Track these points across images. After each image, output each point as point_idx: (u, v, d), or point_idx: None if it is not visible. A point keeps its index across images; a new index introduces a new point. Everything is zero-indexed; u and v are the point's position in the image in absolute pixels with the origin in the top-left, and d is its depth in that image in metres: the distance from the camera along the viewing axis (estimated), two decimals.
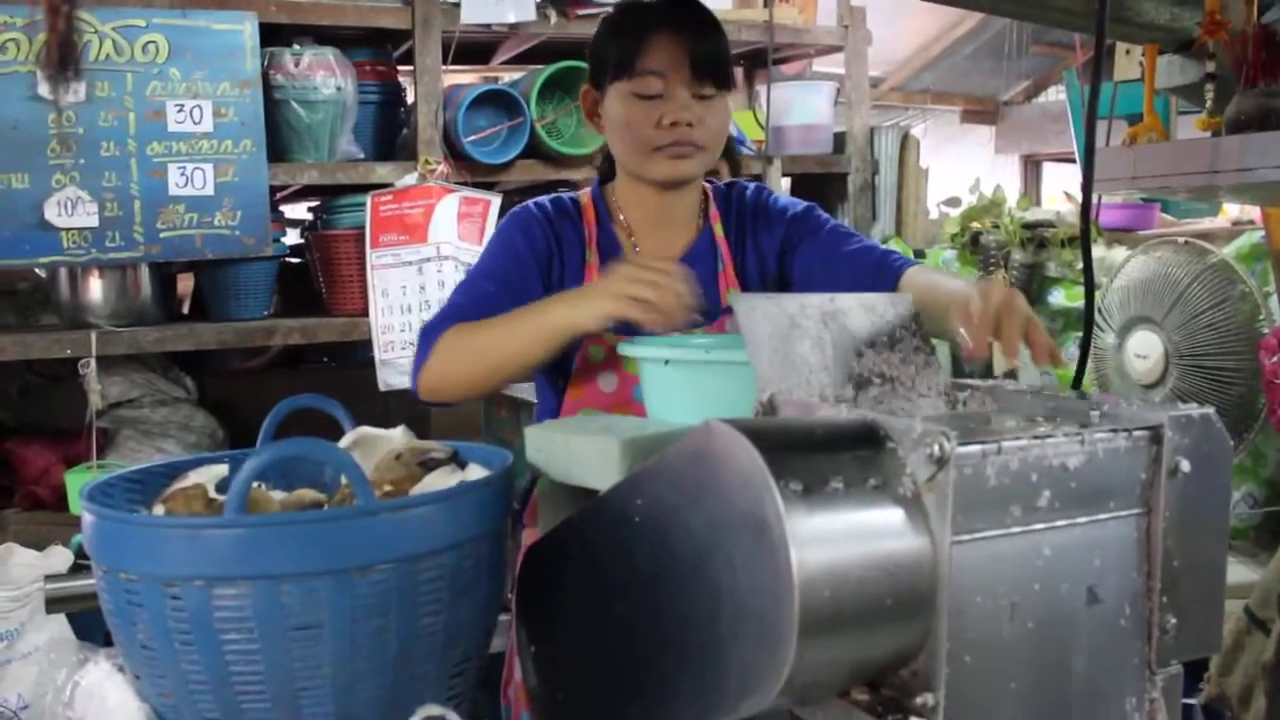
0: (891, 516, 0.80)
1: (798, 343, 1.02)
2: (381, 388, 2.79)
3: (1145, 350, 2.37)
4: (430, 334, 1.50)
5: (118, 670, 1.20)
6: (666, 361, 1.16)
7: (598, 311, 1.34)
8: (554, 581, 1.12)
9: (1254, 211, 2.87)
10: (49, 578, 1.30)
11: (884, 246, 1.66)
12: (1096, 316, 2.50)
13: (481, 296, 1.53)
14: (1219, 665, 1.95)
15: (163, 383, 2.99)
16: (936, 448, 0.79)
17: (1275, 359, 1.98)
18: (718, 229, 1.66)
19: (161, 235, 2.69)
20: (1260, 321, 2.30)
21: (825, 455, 0.81)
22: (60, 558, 2.33)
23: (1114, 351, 2.49)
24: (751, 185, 1.74)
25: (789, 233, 1.65)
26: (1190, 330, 2.32)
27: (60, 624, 1.89)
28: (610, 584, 1.00)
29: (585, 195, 1.66)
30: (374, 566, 1.02)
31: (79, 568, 2.29)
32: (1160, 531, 0.92)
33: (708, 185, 1.69)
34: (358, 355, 3.14)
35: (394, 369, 2.79)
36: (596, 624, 1.03)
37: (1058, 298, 2.91)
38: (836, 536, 0.78)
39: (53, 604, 1.29)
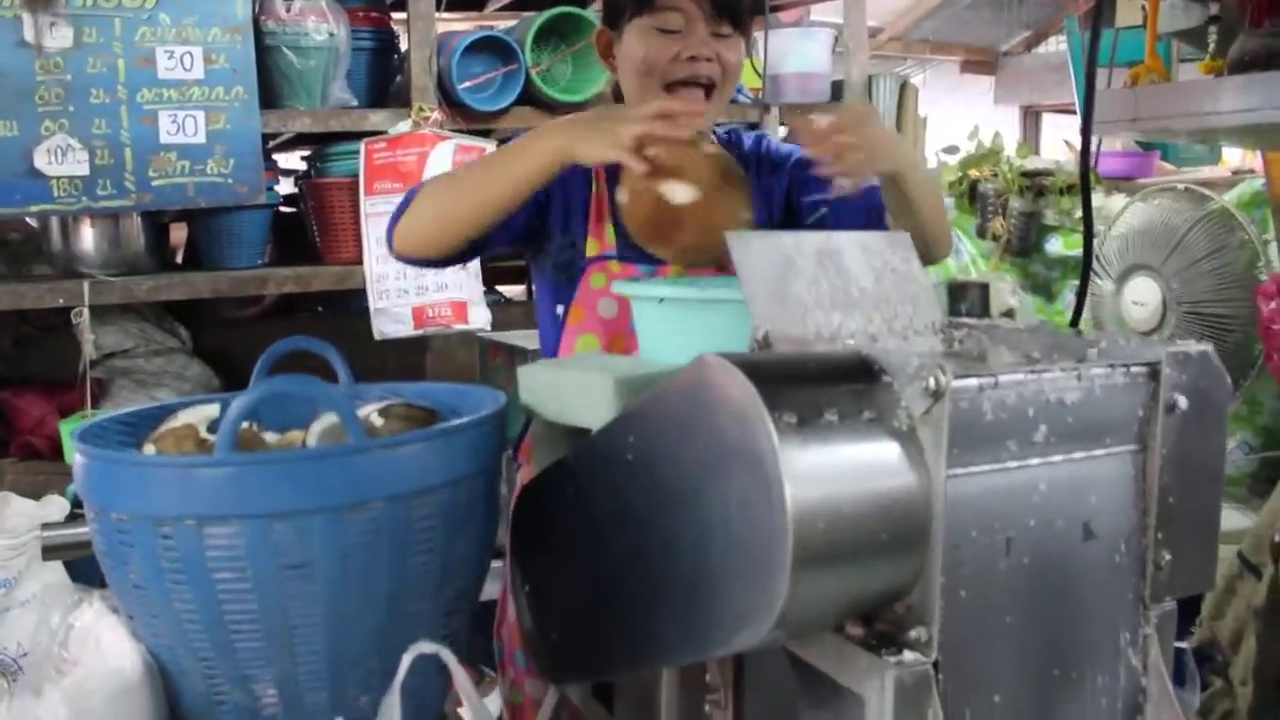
0: (886, 450, 0.80)
1: (793, 281, 1.01)
2: (377, 336, 2.78)
3: (1143, 297, 2.36)
4: (409, 193, 1.50)
5: (111, 612, 1.19)
6: (661, 300, 1.15)
7: (600, 155, 1.31)
8: (548, 521, 1.11)
9: (1254, 160, 2.85)
10: (45, 526, 1.30)
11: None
12: (1095, 264, 2.49)
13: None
14: (1210, 609, 1.96)
15: (157, 333, 2.98)
16: (932, 381, 0.78)
17: (1273, 305, 1.97)
18: None
19: (153, 183, 2.66)
20: (1259, 269, 2.29)
21: (819, 388, 0.80)
22: (56, 507, 2.32)
23: (1112, 298, 2.48)
24: (752, 133, 1.74)
25: (794, 178, 1.64)
26: (1189, 277, 2.31)
27: (57, 570, 1.89)
28: (604, 522, 1.00)
29: None
30: (366, 504, 1.02)
31: (75, 517, 2.30)
32: (1156, 468, 0.91)
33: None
34: (351, 305, 3.13)
35: (389, 317, 2.78)
36: (590, 562, 1.03)
37: (1055, 245, 2.89)
38: (830, 469, 0.77)
39: (49, 552, 1.29)
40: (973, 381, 0.81)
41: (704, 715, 1.05)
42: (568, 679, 1.21)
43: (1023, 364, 0.86)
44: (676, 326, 1.15)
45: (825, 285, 1.03)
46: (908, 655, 0.80)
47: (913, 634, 0.81)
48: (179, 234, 3.22)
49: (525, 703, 1.61)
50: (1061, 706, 0.90)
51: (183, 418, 1.18)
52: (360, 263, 2.82)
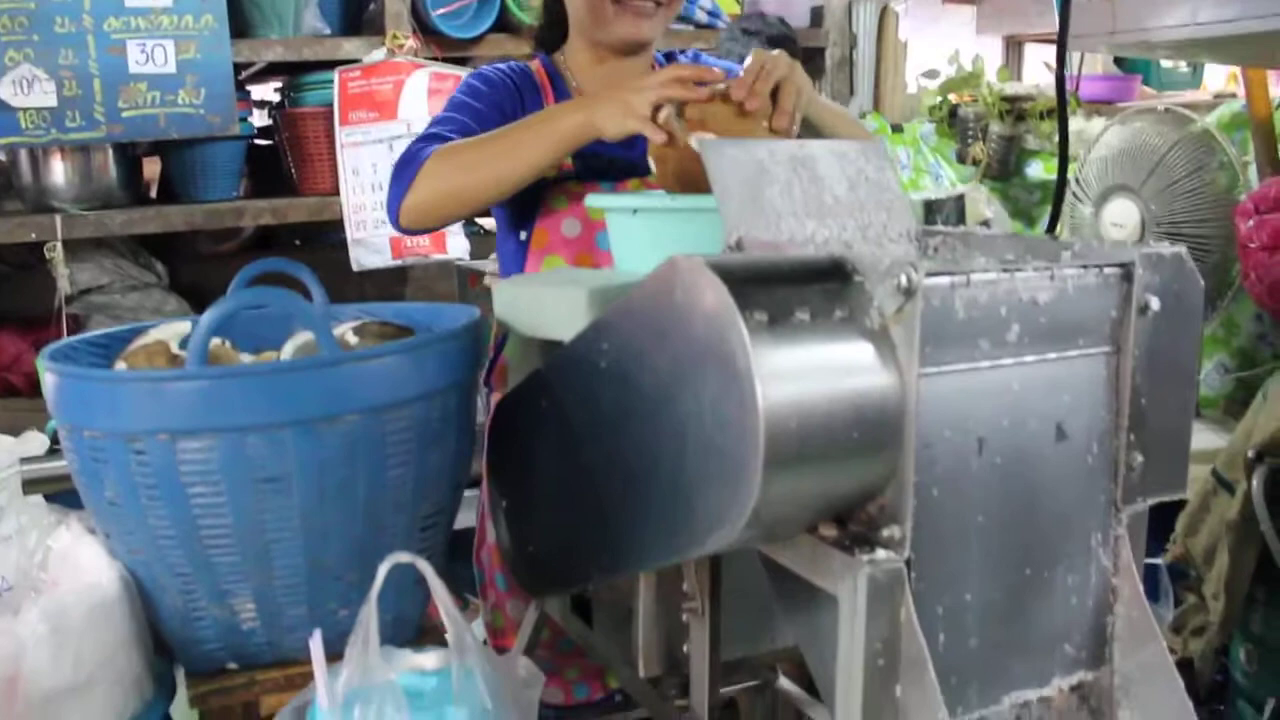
0: (858, 348, 0.79)
1: (766, 188, 1.00)
2: (355, 268, 2.76)
3: (1122, 219, 2.36)
4: (411, 161, 1.44)
5: (89, 533, 1.20)
6: (634, 211, 1.14)
7: (620, 127, 1.30)
8: (523, 434, 1.11)
9: (1236, 85, 2.83)
10: (24, 461, 1.29)
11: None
12: (1074, 187, 2.48)
13: (460, 128, 1.49)
14: (1184, 526, 1.98)
15: (133, 268, 2.95)
16: (904, 278, 0.78)
17: (1251, 223, 1.97)
18: None
19: (123, 114, 2.62)
20: (1238, 190, 2.29)
21: (791, 288, 0.80)
22: (36, 442, 2.31)
23: (1090, 221, 2.48)
24: (690, 52, 1.73)
25: None
26: (1168, 198, 2.30)
27: (38, 503, 1.89)
28: (578, 431, 0.99)
29: (536, 64, 1.63)
30: (339, 417, 1.02)
31: (55, 452, 2.29)
32: (1129, 369, 0.92)
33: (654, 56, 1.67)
34: (329, 238, 3.10)
35: (366, 248, 2.76)
36: (565, 473, 1.03)
37: (1036, 170, 2.88)
38: (802, 367, 0.77)
39: (29, 486, 1.29)
40: (944, 280, 0.81)
41: (681, 624, 1.06)
42: (546, 592, 1.22)
43: (996, 265, 0.85)
44: (650, 238, 1.14)
45: (799, 192, 1.02)
46: (880, 553, 0.81)
47: (885, 533, 0.81)
48: (152, 168, 3.18)
49: (507, 625, 1.63)
50: (1033, 605, 0.91)
51: (154, 335, 1.17)
52: (336, 194, 2.79)
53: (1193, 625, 1.97)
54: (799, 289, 0.80)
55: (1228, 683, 1.97)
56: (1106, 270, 0.89)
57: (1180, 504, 2.06)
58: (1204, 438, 2.26)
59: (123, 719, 1.07)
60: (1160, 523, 2.08)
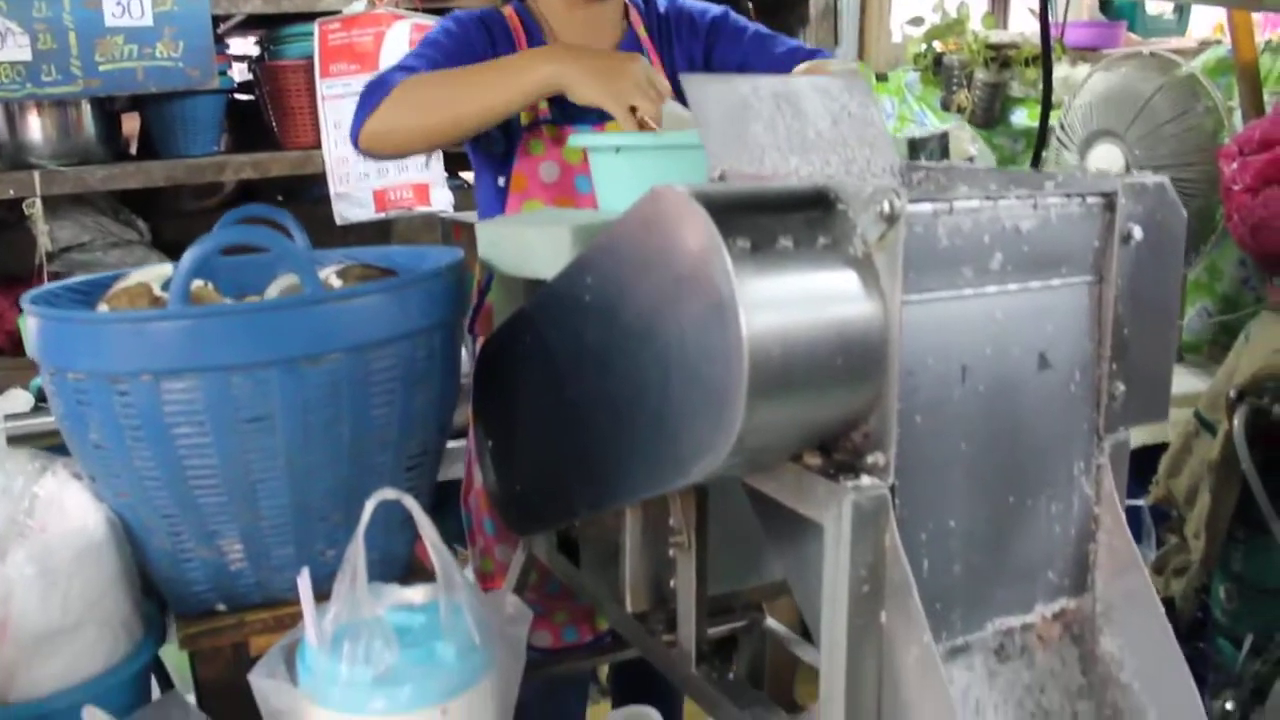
0: (842, 275, 0.79)
1: (750, 124, 1.00)
2: (338, 221, 2.75)
3: (1106, 163, 2.36)
4: (380, 86, 1.45)
5: (74, 478, 1.19)
6: (618, 149, 1.14)
7: (594, 100, 1.31)
8: (508, 374, 1.11)
9: (1222, 33, 2.82)
10: (9, 417, 1.29)
11: (809, 46, 1.66)
12: (1058, 133, 2.48)
13: (430, 64, 1.49)
14: (1167, 467, 2.00)
15: (114, 225, 2.92)
16: (887, 205, 0.78)
17: (1234, 166, 1.97)
18: (641, 32, 1.64)
19: (100, 68, 2.59)
20: (1223, 135, 2.29)
21: (774, 215, 0.80)
22: (20, 400, 2.31)
23: (1075, 166, 2.48)
24: None
25: (709, 37, 1.64)
26: (1151, 142, 2.30)
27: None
28: (562, 367, 0.99)
29: (509, 10, 1.62)
30: (323, 356, 1.01)
31: (40, 410, 2.28)
32: (1111, 298, 0.92)
33: None
34: (312, 192, 3.08)
35: (350, 201, 2.74)
36: (550, 409, 1.03)
37: (1020, 117, 2.87)
38: (785, 294, 0.77)
39: (14, 442, 1.29)
40: (927, 207, 0.81)
41: (668, 559, 1.06)
42: (533, 530, 1.23)
43: (979, 193, 0.85)
44: (634, 176, 1.13)
45: (782, 128, 1.01)
46: (865, 480, 0.81)
47: (869, 459, 0.82)
48: (132, 124, 3.14)
49: (495, 569, 1.63)
50: (1016, 532, 0.91)
51: (136, 277, 1.16)
52: (318, 147, 2.77)
53: (1174, 565, 1.99)
54: (782, 217, 0.80)
55: (1208, 621, 1.99)
56: (1089, 199, 0.89)
57: (1163, 447, 2.08)
58: (1186, 381, 2.27)
59: (112, 660, 1.07)
60: (1143, 465, 2.10)
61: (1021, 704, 0.94)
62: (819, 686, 0.85)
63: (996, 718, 0.92)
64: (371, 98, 1.44)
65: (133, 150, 3.19)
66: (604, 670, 2.37)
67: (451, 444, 1.35)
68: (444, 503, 1.32)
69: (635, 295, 0.86)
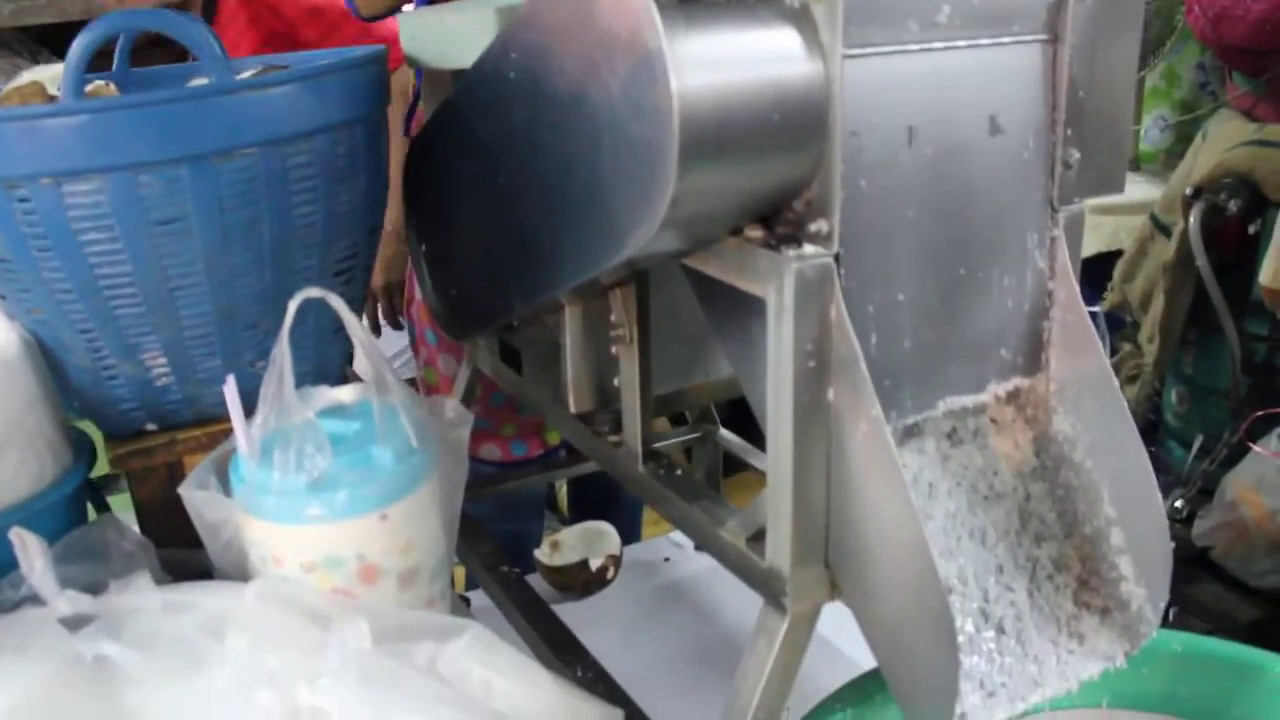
0: (778, 28, 0.74)
1: None
2: None
3: None
4: None
5: None
6: None
7: None
8: (438, 170, 1.06)
9: None
10: None
11: None
12: None
13: None
14: (1122, 273, 1.99)
15: (28, 66, 2.79)
16: None
17: None
18: None
19: None
20: None
21: None
22: None
23: None
24: None
25: None
26: None
27: None
28: (493, 153, 0.94)
29: None
30: (236, 151, 0.95)
31: None
32: (1066, 59, 0.87)
33: None
34: None
35: None
36: (482, 200, 0.98)
37: None
38: (718, 50, 0.72)
39: None
40: None
41: (611, 359, 1.03)
42: (472, 334, 1.19)
43: None
44: None
45: None
46: (808, 249, 0.77)
47: (812, 227, 0.78)
48: None
49: (440, 381, 1.60)
50: (967, 306, 0.88)
51: (27, 76, 1.08)
52: None
53: (1127, 372, 2.00)
54: None
55: (1160, 425, 2.01)
56: None
57: (1118, 254, 2.06)
58: (1143, 189, 2.25)
59: (40, 483, 1.03)
60: (1098, 273, 2.08)
61: (975, 487, 0.92)
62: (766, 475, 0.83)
63: (949, 501, 0.90)
64: None
65: None
66: (563, 498, 2.38)
67: None
68: None
69: (560, 63, 0.80)
